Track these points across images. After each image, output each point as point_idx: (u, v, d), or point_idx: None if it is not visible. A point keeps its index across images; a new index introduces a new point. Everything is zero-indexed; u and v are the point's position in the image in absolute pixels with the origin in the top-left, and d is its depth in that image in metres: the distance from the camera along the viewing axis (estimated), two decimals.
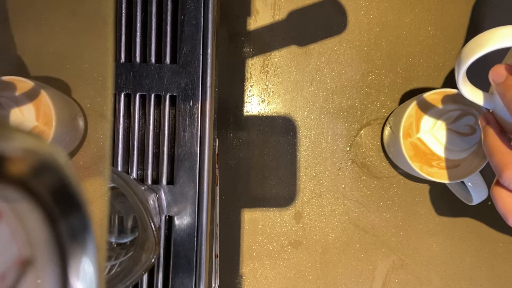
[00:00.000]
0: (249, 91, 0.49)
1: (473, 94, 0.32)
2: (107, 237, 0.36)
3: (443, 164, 0.41)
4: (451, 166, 0.41)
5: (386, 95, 0.48)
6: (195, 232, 0.35)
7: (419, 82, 0.48)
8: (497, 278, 0.48)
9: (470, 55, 0.29)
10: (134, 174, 0.36)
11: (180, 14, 0.37)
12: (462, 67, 0.30)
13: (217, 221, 0.44)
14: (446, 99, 0.41)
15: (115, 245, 0.37)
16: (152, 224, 0.28)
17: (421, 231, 0.48)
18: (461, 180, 0.41)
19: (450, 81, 0.48)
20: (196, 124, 0.36)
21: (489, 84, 0.32)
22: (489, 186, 0.42)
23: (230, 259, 0.48)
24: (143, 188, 0.35)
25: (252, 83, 0.49)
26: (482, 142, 0.33)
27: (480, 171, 0.41)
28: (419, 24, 0.48)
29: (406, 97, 0.48)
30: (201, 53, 0.36)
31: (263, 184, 0.49)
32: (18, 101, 0.35)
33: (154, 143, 0.37)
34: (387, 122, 0.48)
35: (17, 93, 0.35)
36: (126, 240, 0.37)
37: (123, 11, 0.37)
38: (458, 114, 0.41)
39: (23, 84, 0.35)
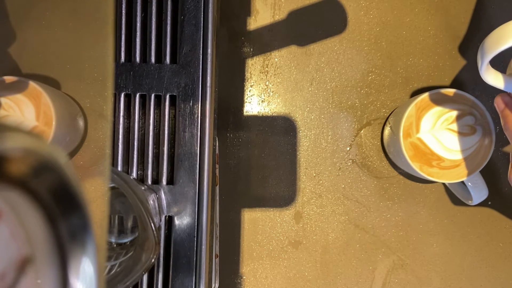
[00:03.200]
0: (249, 91, 0.49)
1: (496, 79, 0.31)
2: (107, 237, 0.36)
3: (443, 164, 0.41)
4: (451, 166, 0.41)
5: (386, 95, 0.48)
6: (195, 232, 0.35)
7: (419, 82, 0.48)
8: (497, 278, 0.48)
9: (493, 47, 0.28)
10: (134, 174, 0.36)
11: (180, 14, 0.37)
12: (485, 59, 0.29)
13: (217, 221, 0.44)
14: (446, 99, 0.41)
15: (115, 245, 0.37)
16: (152, 224, 0.28)
17: (421, 231, 0.48)
18: (461, 180, 0.41)
19: (450, 81, 0.48)
20: (196, 124, 0.36)
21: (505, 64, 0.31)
22: (489, 186, 0.42)
23: (230, 259, 0.48)
24: (143, 188, 0.35)
25: (252, 83, 0.49)
26: (504, 127, 0.31)
27: (480, 171, 0.41)
28: (419, 24, 0.48)
29: (406, 97, 0.48)
30: (201, 53, 0.36)
31: (263, 184, 0.49)
32: (18, 101, 0.35)
33: (154, 143, 0.37)
34: (387, 122, 0.48)
35: (17, 93, 0.35)
36: (126, 240, 0.37)
37: (123, 11, 0.37)
38: (458, 114, 0.41)
39: (23, 84, 0.35)
